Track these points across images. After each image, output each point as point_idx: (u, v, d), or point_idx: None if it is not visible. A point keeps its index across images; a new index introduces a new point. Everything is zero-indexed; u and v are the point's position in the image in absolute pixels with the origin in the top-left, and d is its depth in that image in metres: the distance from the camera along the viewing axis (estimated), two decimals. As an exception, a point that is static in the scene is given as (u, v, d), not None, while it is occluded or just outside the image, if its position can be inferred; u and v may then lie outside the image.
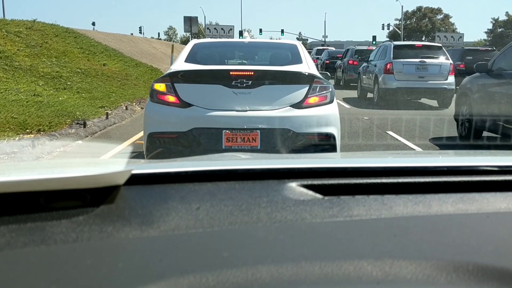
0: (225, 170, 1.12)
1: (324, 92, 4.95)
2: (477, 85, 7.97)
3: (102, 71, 15.59)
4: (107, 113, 9.89)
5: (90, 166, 1.22)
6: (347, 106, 13.12)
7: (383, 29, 68.46)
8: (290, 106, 4.84)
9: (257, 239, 0.83)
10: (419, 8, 74.93)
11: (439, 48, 14.43)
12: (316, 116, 4.86)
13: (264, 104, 4.83)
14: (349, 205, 0.95)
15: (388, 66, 13.45)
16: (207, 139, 4.75)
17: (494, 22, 74.89)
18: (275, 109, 4.82)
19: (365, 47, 22.88)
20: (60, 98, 10.64)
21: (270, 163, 1.29)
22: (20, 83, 11.18)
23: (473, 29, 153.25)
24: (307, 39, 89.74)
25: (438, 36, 44.62)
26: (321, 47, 38.94)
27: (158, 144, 4.83)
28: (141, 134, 8.42)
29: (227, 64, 5.76)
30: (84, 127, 8.54)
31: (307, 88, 4.89)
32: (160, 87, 4.86)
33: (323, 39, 71.01)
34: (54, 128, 8.20)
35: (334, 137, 4.88)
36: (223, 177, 1.06)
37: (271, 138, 4.77)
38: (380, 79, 13.61)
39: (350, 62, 20.72)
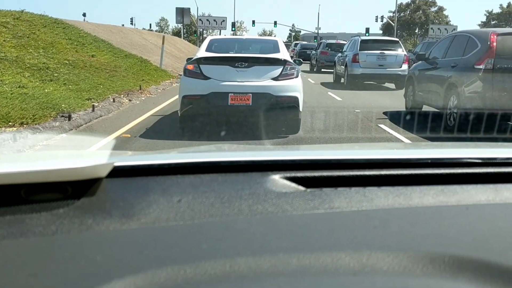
0: (208, 163, 1.11)
1: (293, 70, 7.67)
2: (418, 70, 10.46)
3: (90, 63, 15.32)
4: (93, 105, 9.68)
5: (72, 158, 1.19)
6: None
7: (376, 21, 68.31)
8: (271, 79, 7.53)
9: (237, 231, 0.83)
10: (413, 0, 74.67)
11: (396, 42, 18.25)
12: (287, 85, 7.52)
13: (255, 78, 7.49)
14: (331, 197, 0.95)
15: (355, 56, 16.90)
16: (218, 99, 7.35)
17: (488, 14, 74.92)
18: (261, 81, 7.50)
19: (334, 41, 28.09)
20: (46, 90, 10.41)
21: (254, 155, 1.27)
22: (5, 75, 10.92)
23: (467, 21, 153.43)
24: (300, 31, 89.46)
25: (431, 28, 44.57)
26: (297, 41, 49.40)
27: (188, 102, 7.41)
28: (127, 127, 8.32)
29: (232, 53, 8.42)
30: (69, 120, 8.34)
31: (282, 68, 7.59)
32: (191, 67, 7.60)
33: (316, 31, 70.72)
34: (38, 121, 7.99)
35: (297, 98, 7.53)
36: (206, 169, 1.06)
37: (259, 98, 7.38)
38: (349, 66, 17.13)
39: (322, 52, 26.06)
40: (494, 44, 7.84)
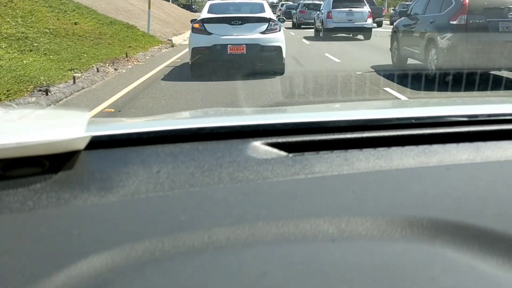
0: (188, 130, 1.06)
1: (276, 26, 10.05)
2: (402, 25, 11.11)
3: (73, 31, 14.46)
4: (74, 76, 8.94)
5: (49, 130, 1.05)
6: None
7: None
8: (259, 33, 9.85)
9: (216, 200, 0.80)
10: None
11: (362, 1, 21.88)
12: (272, 37, 9.85)
13: (247, 32, 9.82)
14: (312, 162, 0.92)
15: (329, 13, 21.15)
16: (220, 49, 9.67)
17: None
18: (252, 34, 9.82)
19: (310, 1, 32.94)
20: (25, 62, 9.65)
21: (235, 121, 1.19)
22: (-21, 47, 10.15)
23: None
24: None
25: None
26: (283, 2, 54.52)
27: (197, 53, 9.71)
28: (110, 101, 7.66)
29: (228, 13, 10.51)
30: (47, 94, 7.62)
31: (267, 24, 9.94)
32: (197, 25, 9.94)
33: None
34: (13, 96, 7.28)
35: (281, 47, 9.80)
36: (186, 138, 1.01)
37: (251, 48, 9.72)
38: (324, 22, 21.59)
39: (300, 11, 32.16)
40: (467, 1, 8.39)
